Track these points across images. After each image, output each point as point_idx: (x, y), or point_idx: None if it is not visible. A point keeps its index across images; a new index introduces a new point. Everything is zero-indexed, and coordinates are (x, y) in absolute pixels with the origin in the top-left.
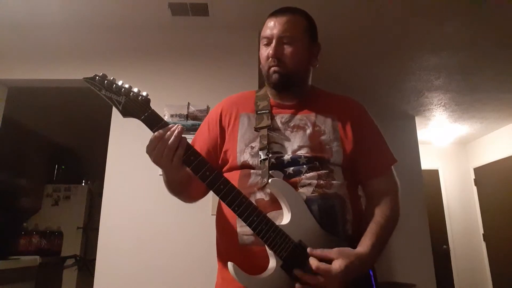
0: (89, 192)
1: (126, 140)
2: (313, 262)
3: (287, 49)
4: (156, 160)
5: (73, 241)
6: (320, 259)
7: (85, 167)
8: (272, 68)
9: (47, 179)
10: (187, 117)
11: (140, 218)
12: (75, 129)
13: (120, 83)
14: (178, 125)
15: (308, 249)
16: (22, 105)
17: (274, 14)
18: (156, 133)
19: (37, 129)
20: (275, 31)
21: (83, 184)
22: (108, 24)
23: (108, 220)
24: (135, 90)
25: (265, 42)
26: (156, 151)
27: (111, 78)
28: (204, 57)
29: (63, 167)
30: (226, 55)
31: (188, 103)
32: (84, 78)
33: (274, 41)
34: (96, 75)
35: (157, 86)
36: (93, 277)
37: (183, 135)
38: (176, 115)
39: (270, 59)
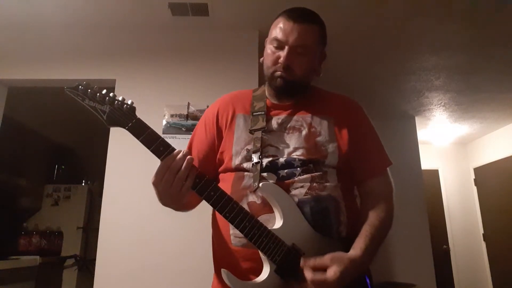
0: (89, 192)
1: (126, 140)
2: (308, 274)
3: (299, 59)
4: (164, 190)
5: (73, 241)
6: (314, 268)
7: (85, 167)
8: (278, 73)
9: (47, 179)
10: (187, 117)
11: (140, 218)
12: (75, 129)
13: (104, 91)
14: (185, 154)
15: (301, 262)
16: (22, 105)
17: (293, 18)
18: (162, 162)
19: (37, 129)
20: (291, 39)
21: (83, 184)
22: (108, 24)
23: (108, 220)
24: (120, 98)
25: (276, 45)
26: (164, 182)
27: (95, 87)
28: (204, 57)
29: (63, 167)
30: (226, 55)
31: (188, 103)
32: (66, 88)
33: (287, 49)
34: (78, 84)
35: (157, 86)
36: (93, 277)
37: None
38: (176, 115)
39: (280, 64)
